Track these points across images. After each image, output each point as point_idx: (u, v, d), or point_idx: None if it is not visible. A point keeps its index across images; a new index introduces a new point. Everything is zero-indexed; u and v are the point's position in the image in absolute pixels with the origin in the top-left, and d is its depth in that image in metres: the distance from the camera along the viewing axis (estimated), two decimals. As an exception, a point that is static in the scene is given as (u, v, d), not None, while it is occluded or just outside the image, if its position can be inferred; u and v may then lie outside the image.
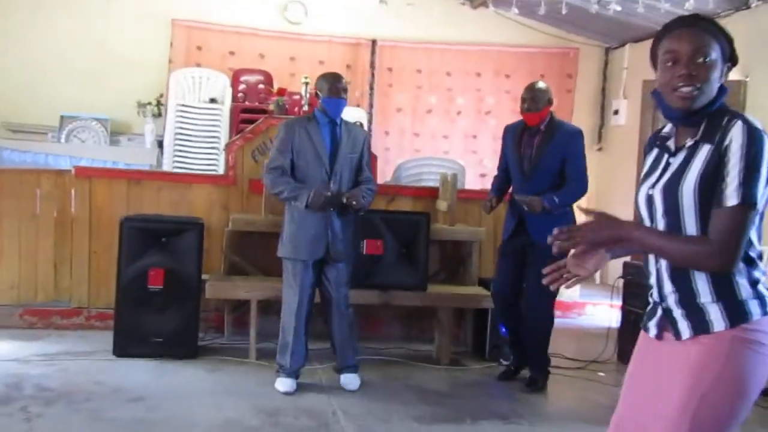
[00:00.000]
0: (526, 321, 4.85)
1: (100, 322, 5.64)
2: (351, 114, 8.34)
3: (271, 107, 6.84)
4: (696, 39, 2.01)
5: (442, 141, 9.03)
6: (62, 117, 7.97)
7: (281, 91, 7.13)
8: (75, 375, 4.60)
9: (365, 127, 8.71)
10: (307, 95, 6.24)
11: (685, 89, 1.99)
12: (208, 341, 5.51)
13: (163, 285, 5.00)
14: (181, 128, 7.71)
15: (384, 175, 7.69)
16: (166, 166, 7.60)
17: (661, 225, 2.06)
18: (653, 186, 2.08)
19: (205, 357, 5.15)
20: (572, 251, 2.13)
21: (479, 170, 8.87)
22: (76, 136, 7.99)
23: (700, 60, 1.99)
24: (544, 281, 2.21)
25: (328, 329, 4.69)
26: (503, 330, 5.18)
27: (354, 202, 4.42)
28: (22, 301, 5.66)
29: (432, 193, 6.07)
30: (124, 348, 5.01)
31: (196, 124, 7.71)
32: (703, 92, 1.99)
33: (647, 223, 2.11)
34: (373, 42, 8.91)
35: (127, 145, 8.25)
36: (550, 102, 4.77)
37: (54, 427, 3.72)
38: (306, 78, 6.35)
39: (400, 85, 9.06)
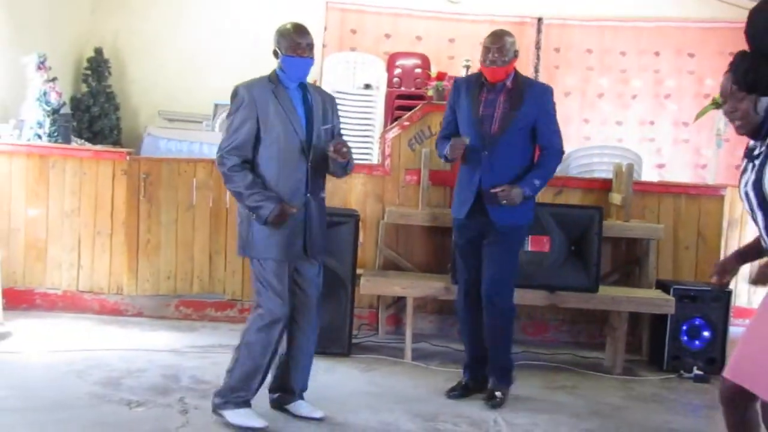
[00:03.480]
0: (484, 315, 4.42)
1: (254, 316, 5.88)
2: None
3: (429, 93, 6.86)
4: None
5: (615, 128, 8.76)
6: (216, 105, 8.36)
7: (440, 76, 7.13)
8: (229, 369, 4.83)
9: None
10: (469, 79, 6.21)
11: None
12: (361, 339, 5.64)
13: (317, 279, 5.13)
14: (335, 115, 7.90)
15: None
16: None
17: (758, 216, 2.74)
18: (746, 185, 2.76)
19: (359, 355, 5.28)
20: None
21: (657, 160, 8.55)
22: (230, 125, 8.34)
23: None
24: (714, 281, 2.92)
25: (288, 340, 4.03)
26: (465, 338, 4.67)
27: (344, 149, 3.82)
28: (178, 292, 6.00)
29: (604, 186, 5.93)
30: (277, 343, 5.20)
31: (350, 111, 7.87)
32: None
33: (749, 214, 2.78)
34: (539, 20, 8.76)
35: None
36: (516, 55, 4.38)
37: (210, 420, 3.93)
38: (467, 61, 6.36)
39: (568, 66, 8.87)
